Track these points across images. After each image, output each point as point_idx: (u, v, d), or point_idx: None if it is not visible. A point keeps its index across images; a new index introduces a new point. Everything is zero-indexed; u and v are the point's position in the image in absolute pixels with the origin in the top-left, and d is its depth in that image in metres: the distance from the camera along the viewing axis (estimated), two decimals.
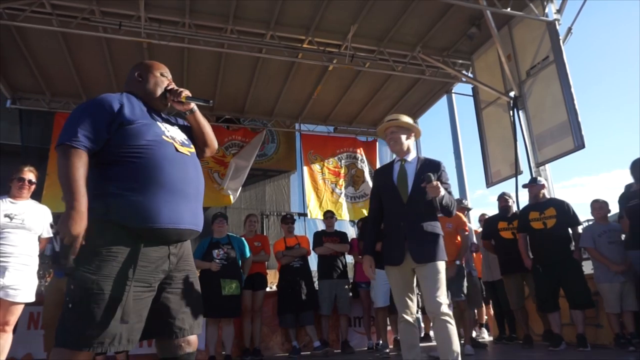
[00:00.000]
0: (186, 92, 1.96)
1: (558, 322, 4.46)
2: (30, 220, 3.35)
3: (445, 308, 2.55)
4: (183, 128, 1.99)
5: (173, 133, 1.87)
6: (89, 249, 1.58)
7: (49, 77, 6.96)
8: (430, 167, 2.77)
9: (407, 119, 2.90)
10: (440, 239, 2.71)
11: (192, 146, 1.93)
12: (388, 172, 2.87)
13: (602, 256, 4.40)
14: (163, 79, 1.98)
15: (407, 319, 2.69)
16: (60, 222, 1.54)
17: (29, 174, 3.45)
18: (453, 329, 2.54)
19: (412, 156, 2.86)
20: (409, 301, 2.70)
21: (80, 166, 1.61)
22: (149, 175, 1.68)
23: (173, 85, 1.99)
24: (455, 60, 7.18)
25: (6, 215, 3.25)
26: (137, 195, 1.65)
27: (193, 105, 1.99)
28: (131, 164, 1.68)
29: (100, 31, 5.77)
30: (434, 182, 2.56)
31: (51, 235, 3.62)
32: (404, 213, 2.71)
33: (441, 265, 2.64)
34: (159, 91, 1.95)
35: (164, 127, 1.86)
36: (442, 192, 2.59)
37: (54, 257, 3.36)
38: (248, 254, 5.00)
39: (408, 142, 2.87)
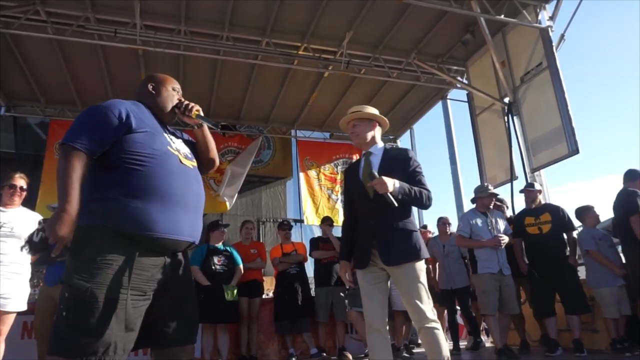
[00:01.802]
0: (197, 108, 2.01)
1: (554, 328, 4.46)
2: (19, 228, 3.28)
3: (430, 314, 2.32)
4: (187, 143, 2.02)
5: (178, 145, 1.90)
6: (83, 256, 1.58)
7: (43, 84, 6.95)
8: (395, 158, 2.57)
9: (369, 109, 2.69)
10: (415, 235, 2.45)
11: (194, 160, 1.96)
12: (355, 169, 2.68)
13: (606, 259, 4.40)
14: (174, 93, 2.02)
15: (375, 329, 2.40)
16: (49, 221, 1.55)
17: (20, 181, 3.39)
18: (441, 334, 2.33)
19: (377, 148, 2.65)
20: (379, 310, 2.43)
21: (79, 168, 1.61)
22: (151, 183, 1.68)
23: (185, 101, 2.03)
24: (450, 66, 7.24)
25: None
26: (137, 202, 1.64)
27: (202, 121, 2.04)
28: (134, 171, 1.68)
29: (96, 38, 5.77)
30: (377, 179, 2.33)
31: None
32: (372, 210, 2.49)
33: (418, 266, 2.39)
34: (170, 105, 1.98)
35: (170, 139, 1.88)
36: (392, 186, 2.34)
37: (29, 242, 3.29)
38: (240, 263, 5.00)
39: (371, 134, 2.65)
